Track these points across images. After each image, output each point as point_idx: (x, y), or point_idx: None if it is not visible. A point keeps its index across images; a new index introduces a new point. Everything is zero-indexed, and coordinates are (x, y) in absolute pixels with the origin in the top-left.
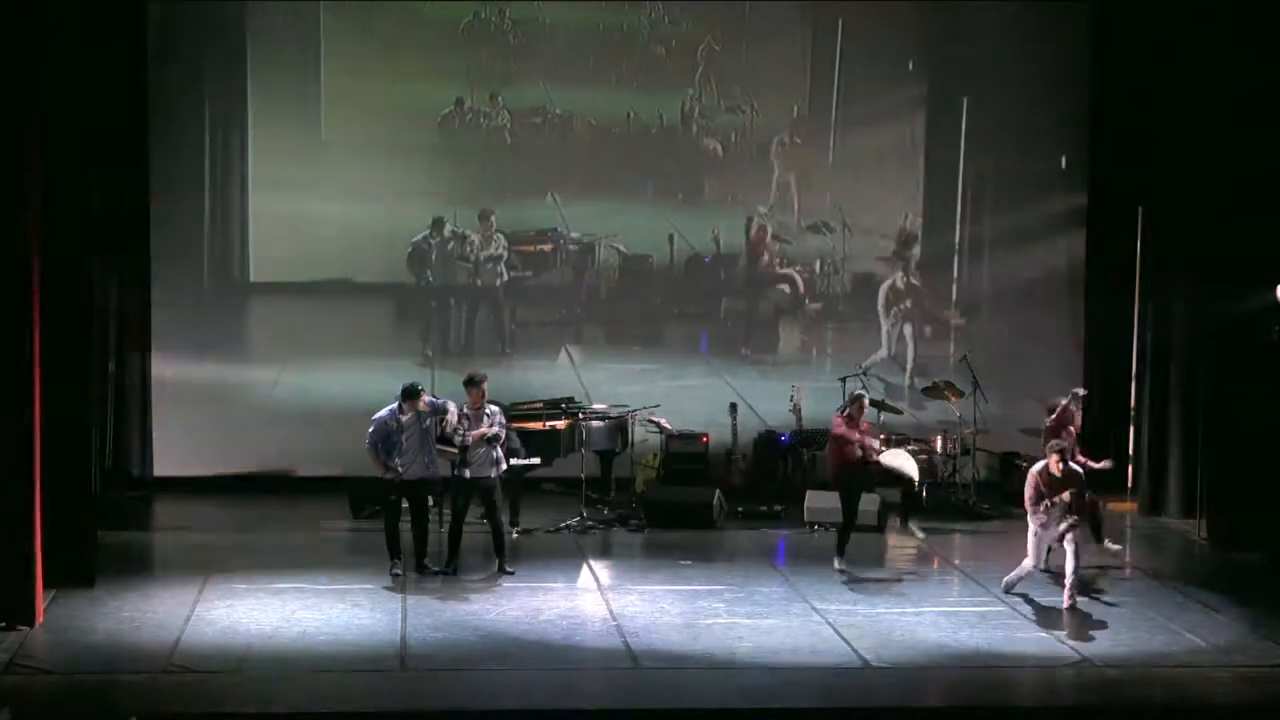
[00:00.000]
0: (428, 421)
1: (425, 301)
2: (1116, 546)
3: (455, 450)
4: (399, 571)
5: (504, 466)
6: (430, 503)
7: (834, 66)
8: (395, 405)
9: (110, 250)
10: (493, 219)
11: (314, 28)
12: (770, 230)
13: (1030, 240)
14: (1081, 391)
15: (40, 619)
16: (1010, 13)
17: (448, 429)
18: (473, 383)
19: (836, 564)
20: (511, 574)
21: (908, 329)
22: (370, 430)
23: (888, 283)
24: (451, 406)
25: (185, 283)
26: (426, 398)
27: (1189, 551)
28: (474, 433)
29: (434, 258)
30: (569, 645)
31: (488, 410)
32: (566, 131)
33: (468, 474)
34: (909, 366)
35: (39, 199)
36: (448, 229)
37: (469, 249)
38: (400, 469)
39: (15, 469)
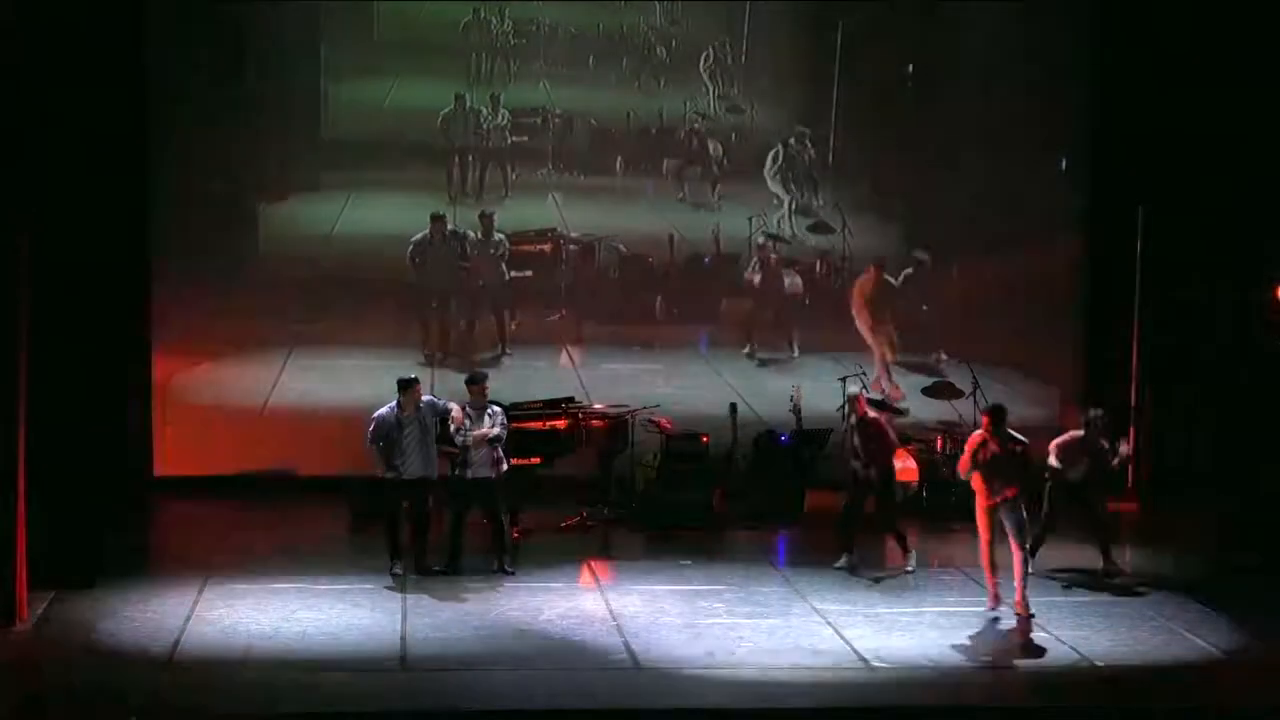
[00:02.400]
0: (428, 420)
1: (425, 301)
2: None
3: (456, 450)
4: (399, 571)
5: (505, 467)
6: (430, 503)
7: (834, 67)
8: (395, 403)
9: (110, 250)
10: (493, 219)
11: (314, 27)
12: (771, 245)
13: (1031, 241)
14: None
15: (25, 616)
16: (1011, 14)
17: (451, 429)
18: (474, 381)
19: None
20: (512, 574)
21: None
22: (370, 428)
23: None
24: (455, 407)
25: (185, 282)
26: (426, 397)
27: (1189, 551)
28: (476, 433)
29: (435, 257)
30: (569, 645)
31: (489, 410)
32: (566, 132)
33: (469, 474)
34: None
35: (38, 199)
36: (448, 227)
37: (470, 249)
38: (400, 468)
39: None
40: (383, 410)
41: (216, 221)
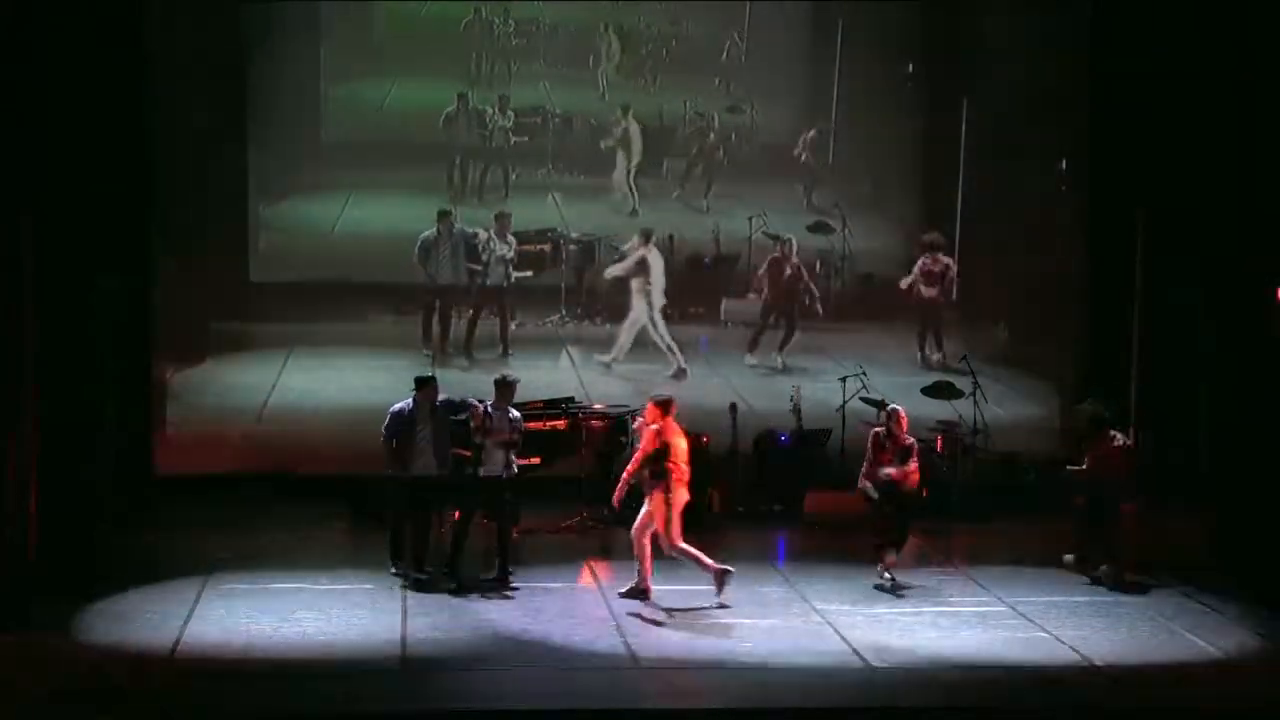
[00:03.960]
0: (443, 419)
1: (428, 300)
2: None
3: (469, 453)
4: (396, 571)
5: (515, 470)
6: (435, 503)
7: (834, 67)
8: (412, 399)
9: (111, 250)
10: (510, 220)
11: (314, 27)
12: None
13: (1030, 241)
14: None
15: (34, 617)
16: (1010, 14)
17: (471, 425)
18: (505, 384)
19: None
20: (512, 574)
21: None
22: (386, 422)
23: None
24: (476, 404)
25: (185, 282)
26: (442, 396)
27: (1189, 551)
28: (495, 435)
29: (440, 254)
30: (569, 645)
31: (511, 415)
32: (566, 132)
33: (480, 472)
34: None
35: (39, 200)
36: (456, 227)
37: (482, 249)
38: (408, 465)
39: (12, 469)
40: (399, 405)
41: (216, 222)
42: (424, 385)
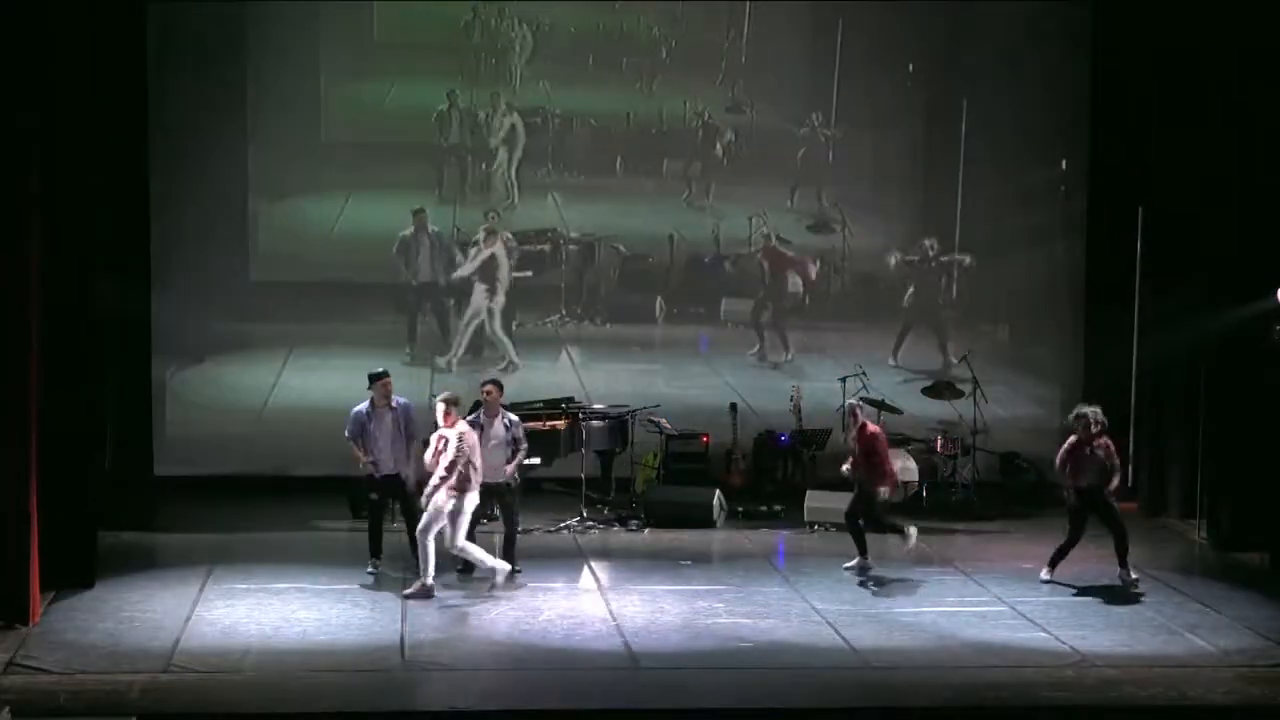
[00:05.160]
0: (402, 419)
1: (425, 302)
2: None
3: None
4: (373, 570)
5: (518, 478)
6: (412, 501)
7: (834, 67)
8: (371, 398)
9: (110, 250)
10: (493, 221)
11: (314, 28)
12: (773, 238)
13: (1030, 241)
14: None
15: (37, 618)
16: (1010, 14)
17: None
18: (482, 385)
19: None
20: (519, 572)
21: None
22: (348, 424)
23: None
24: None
25: (185, 283)
26: (401, 399)
27: (1189, 551)
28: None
29: (419, 255)
30: (569, 645)
31: (506, 420)
32: (566, 132)
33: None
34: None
35: (40, 199)
36: (432, 228)
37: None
38: (378, 464)
39: (13, 468)
40: (359, 405)
41: (216, 222)
42: (375, 380)
